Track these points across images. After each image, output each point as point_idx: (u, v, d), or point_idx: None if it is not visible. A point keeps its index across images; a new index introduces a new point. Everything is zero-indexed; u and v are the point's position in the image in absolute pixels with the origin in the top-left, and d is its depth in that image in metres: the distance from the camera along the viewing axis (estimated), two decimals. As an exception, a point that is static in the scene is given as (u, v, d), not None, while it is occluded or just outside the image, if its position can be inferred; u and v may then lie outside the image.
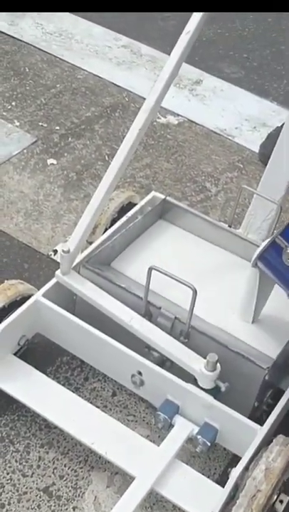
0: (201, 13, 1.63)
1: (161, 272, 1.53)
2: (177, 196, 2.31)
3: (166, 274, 1.52)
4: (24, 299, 1.68)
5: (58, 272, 1.68)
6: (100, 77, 2.81)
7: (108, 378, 1.75)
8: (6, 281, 1.70)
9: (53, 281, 1.71)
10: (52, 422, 1.57)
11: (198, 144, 2.56)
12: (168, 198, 1.91)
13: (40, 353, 1.78)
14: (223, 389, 1.53)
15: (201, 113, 2.70)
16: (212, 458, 1.65)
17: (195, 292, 1.50)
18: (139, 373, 1.60)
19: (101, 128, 2.56)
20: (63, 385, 1.73)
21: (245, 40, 3.17)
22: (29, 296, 1.68)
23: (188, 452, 1.63)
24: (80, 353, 1.73)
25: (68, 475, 1.58)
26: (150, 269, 1.55)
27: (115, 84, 2.77)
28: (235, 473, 1.42)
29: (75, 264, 1.70)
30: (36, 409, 1.58)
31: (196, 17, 1.63)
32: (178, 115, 2.68)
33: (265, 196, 1.82)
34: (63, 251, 1.64)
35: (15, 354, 1.69)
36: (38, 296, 1.68)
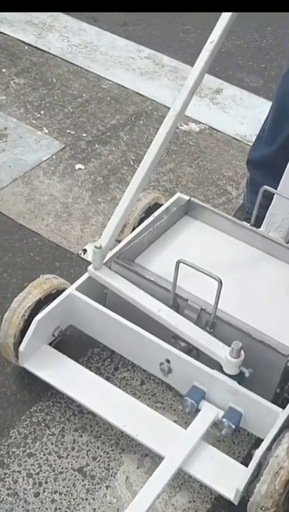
0: (225, 24, 1.73)
1: (188, 264, 1.63)
2: (200, 199, 2.41)
3: (193, 267, 1.63)
4: (58, 292, 1.79)
5: (90, 267, 1.78)
6: (124, 86, 2.93)
7: (137, 368, 1.85)
8: (41, 275, 1.81)
9: (86, 275, 1.81)
10: (85, 407, 1.67)
11: (220, 150, 2.67)
12: (192, 198, 2.02)
13: (73, 345, 1.88)
14: (247, 374, 1.61)
15: (221, 120, 2.81)
16: (236, 442, 1.74)
17: (220, 284, 1.60)
18: (168, 361, 1.69)
19: (126, 135, 2.67)
20: (113, 360, 1.86)
21: (264, 51, 3.28)
22: (63, 290, 1.79)
23: (213, 437, 1.72)
24: (111, 344, 1.83)
25: (101, 456, 1.68)
26: (178, 263, 1.65)
27: (139, 94, 2.89)
28: (258, 452, 1.50)
29: (105, 260, 1.80)
30: (70, 395, 1.68)
31: (220, 27, 1.73)
32: (199, 122, 2.79)
33: (285, 196, 1.92)
34: (95, 247, 1.74)
35: (49, 344, 1.80)
36: (72, 289, 1.78)
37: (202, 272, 1.61)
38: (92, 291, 1.80)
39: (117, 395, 1.70)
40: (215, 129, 2.76)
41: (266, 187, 1.94)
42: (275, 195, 1.96)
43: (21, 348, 1.71)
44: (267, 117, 2.14)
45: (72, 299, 1.78)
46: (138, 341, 1.72)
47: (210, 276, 1.60)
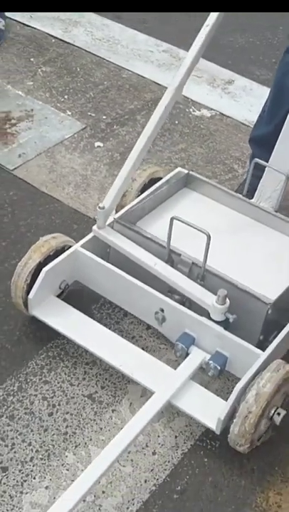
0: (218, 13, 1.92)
1: (180, 220, 1.82)
2: (208, 175, 2.62)
3: (184, 223, 1.81)
4: (58, 252, 1.94)
5: (94, 227, 1.98)
6: (142, 76, 3.16)
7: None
8: (40, 238, 1.98)
9: (90, 235, 2.00)
10: (86, 349, 1.85)
11: (228, 134, 2.88)
12: (191, 172, 2.22)
13: (86, 294, 2.08)
14: (231, 320, 1.79)
15: (231, 108, 3.03)
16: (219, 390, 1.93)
17: (209, 238, 1.78)
18: (162, 310, 1.87)
19: (142, 118, 2.89)
20: (106, 319, 2.05)
21: (274, 47, 3.49)
22: (62, 249, 1.96)
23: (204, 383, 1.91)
24: (111, 296, 2.01)
25: (108, 386, 1.88)
26: (172, 219, 1.85)
27: (156, 83, 3.11)
28: (237, 388, 1.67)
29: (109, 222, 1.99)
30: (73, 338, 1.87)
31: (214, 15, 1.91)
32: (211, 109, 3.00)
33: (275, 168, 2.11)
34: (99, 207, 1.93)
35: (58, 297, 1.98)
36: (77, 246, 1.98)
37: (193, 227, 1.80)
38: (96, 249, 1.99)
39: (116, 339, 1.90)
40: (225, 115, 2.98)
41: (257, 160, 2.14)
42: (266, 168, 2.16)
43: (30, 295, 1.89)
44: (267, 99, 2.35)
45: (78, 255, 1.97)
46: (136, 293, 1.90)
47: (200, 230, 1.78)
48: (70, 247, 1.98)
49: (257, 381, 1.67)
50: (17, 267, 1.92)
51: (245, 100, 3.09)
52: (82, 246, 1.99)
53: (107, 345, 1.88)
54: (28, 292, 1.90)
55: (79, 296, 2.05)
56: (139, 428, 1.66)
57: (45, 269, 1.90)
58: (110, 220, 2.00)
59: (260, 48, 3.51)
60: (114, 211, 2.02)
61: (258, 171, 2.22)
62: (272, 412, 1.70)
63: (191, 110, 2.98)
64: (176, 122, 2.91)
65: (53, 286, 1.97)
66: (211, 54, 3.30)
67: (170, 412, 1.83)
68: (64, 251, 1.97)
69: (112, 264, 1.97)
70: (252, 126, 2.91)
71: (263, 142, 2.31)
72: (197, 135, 2.85)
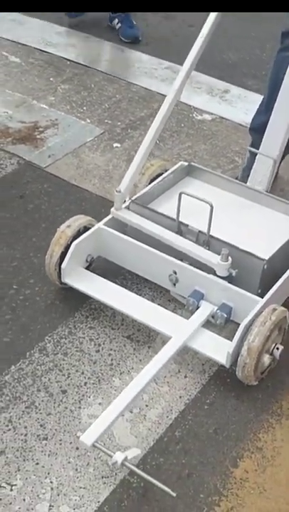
0: (211, 22, 2.29)
1: (187, 194, 2.18)
2: (213, 166, 3.04)
3: (191, 196, 2.17)
4: (74, 239, 2.25)
5: (112, 209, 2.32)
6: (149, 89, 3.60)
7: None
8: (57, 229, 2.28)
9: (110, 216, 2.35)
10: (114, 307, 2.20)
11: (228, 133, 3.30)
12: (192, 163, 2.61)
13: (113, 267, 2.39)
14: (234, 274, 2.13)
15: (229, 112, 3.46)
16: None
17: (212, 207, 2.14)
18: (175, 272, 2.21)
19: (152, 123, 3.30)
20: (130, 285, 2.40)
21: (264, 62, 3.93)
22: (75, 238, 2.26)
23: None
24: (130, 266, 2.32)
25: (143, 329, 2.25)
26: (180, 194, 2.21)
27: (160, 94, 3.54)
28: (240, 328, 2.00)
29: (126, 204, 2.33)
30: (102, 299, 2.21)
31: (208, 25, 2.29)
32: (212, 114, 3.43)
33: (264, 154, 2.50)
34: (116, 191, 2.28)
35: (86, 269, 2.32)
36: (100, 224, 2.33)
37: (198, 199, 2.14)
38: (116, 227, 2.33)
39: (137, 298, 2.23)
40: (224, 118, 3.41)
41: (249, 147, 2.54)
42: (257, 155, 2.55)
43: (63, 265, 2.23)
44: (265, 94, 2.77)
45: (100, 231, 2.31)
46: (152, 259, 2.23)
47: (203, 201, 2.13)
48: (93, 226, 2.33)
49: (247, 338, 1.97)
50: (45, 258, 2.27)
51: (241, 105, 3.52)
52: (105, 224, 2.34)
53: (130, 303, 2.21)
54: (60, 264, 2.25)
55: (103, 271, 2.37)
56: (163, 362, 2.00)
57: (74, 242, 2.24)
58: (127, 203, 2.35)
59: (250, 62, 3.96)
60: (127, 196, 2.35)
61: (253, 158, 2.60)
62: (272, 347, 2.05)
63: (194, 115, 3.41)
64: (182, 125, 3.33)
65: (81, 258, 2.29)
66: (208, 69, 3.78)
67: (176, 360, 2.19)
68: (89, 229, 2.31)
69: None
70: (248, 126, 3.34)
71: (261, 130, 2.71)
72: (201, 135, 3.27)
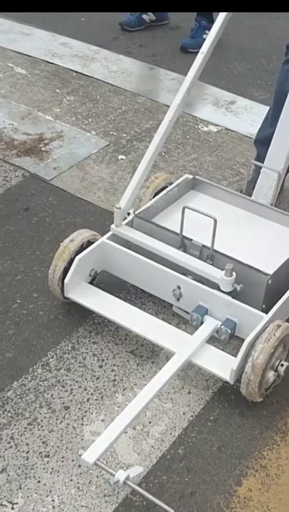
0: (212, 39, 2.25)
1: (191, 209, 2.16)
2: (219, 178, 3.02)
3: (194, 210, 2.15)
4: (78, 253, 2.24)
5: (112, 225, 2.30)
6: (155, 100, 3.59)
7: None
8: (61, 244, 2.27)
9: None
10: (116, 322, 2.18)
11: (234, 145, 3.29)
12: (197, 176, 2.59)
13: (117, 281, 2.38)
14: (238, 289, 2.11)
15: (235, 123, 3.45)
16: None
17: (216, 222, 2.12)
18: (179, 287, 2.19)
19: (158, 135, 3.30)
20: (134, 300, 2.39)
21: (270, 72, 3.93)
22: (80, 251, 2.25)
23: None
24: (134, 280, 2.31)
25: (147, 344, 2.24)
26: (184, 208, 2.19)
27: (167, 105, 3.52)
28: (244, 345, 1.98)
29: (130, 218, 2.31)
30: (105, 315, 2.19)
31: (208, 43, 2.26)
32: (217, 125, 3.42)
33: (269, 167, 2.48)
34: (116, 207, 2.27)
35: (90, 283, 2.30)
36: (104, 239, 2.31)
37: (201, 213, 2.13)
38: (119, 241, 2.30)
39: (140, 313, 2.21)
40: (230, 130, 3.39)
41: (253, 161, 2.52)
42: (262, 169, 2.54)
43: (66, 280, 2.21)
44: (270, 106, 2.76)
45: (104, 246, 2.29)
46: (156, 274, 2.21)
47: (207, 215, 2.11)
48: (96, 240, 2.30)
49: (251, 354, 1.96)
50: (48, 273, 2.26)
51: (246, 117, 3.51)
52: (108, 238, 2.31)
53: (133, 319, 2.19)
54: (63, 279, 2.23)
55: (107, 285, 2.36)
56: (166, 378, 1.98)
57: (77, 257, 2.22)
58: (131, 216, 2.33)
59: (256, 73, 3.95)
60: (129, 210, 2.33)
61: (258, 171, 2.59)
62: (277, 363, 2.03)
63: (200, 127, 3.40)
64: (188, 137, 3.32)
65: (84, 273, 2.27)
66: (214, 80, 3.77)
67: (181, 375, 2.17)
68: (92, 243, 2.29)
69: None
70: (253, 138, 3.33)
71: (266, 142, 2.70)
72: (207, 147, 3.26)
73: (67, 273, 2.22)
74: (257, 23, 4.44)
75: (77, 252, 2.25)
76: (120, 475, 1.74)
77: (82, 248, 2.27)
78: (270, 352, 1.96)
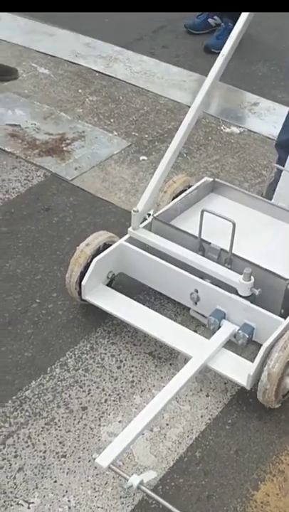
0: (233, 41, 2.23)
1: (209, 212, 2.14)
2: (240, 180, 3.00)
3: (213, 213, 2.14)
4: (93, 257, 2.22)
5: (130, 228, 2.28)
6: (177, 101, 3.58)
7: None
8: (77, 247, 2.26)
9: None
10: (133, 325, 2.16)
11: (256, 146, 3.27)
12: (216, 179, 2.57)
13: (136, 282, 2.37)
14: (257, 293, 2.08)
15: (258, 125, 3.43)
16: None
17: (234, 225, 2.09)
18: (196, 291, 2.17)
19: (180, 136, 3.30)
20: (153, 302, 2.38)
21: (294, 74, 3.91)
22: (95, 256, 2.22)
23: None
24: (151, 283, 2.30)
25: (166, 346, 2.22)
26: (202, 211, 2.17)
27: (189, 106, 3.50)
28: (261, 350, 1.96)
29: (148, 220, 2.30)
30: (122, 317, 2.18)
31: (228, 45, 2.23)
32: (240, 127, 3.41)
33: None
34: (134, 211, 2.25)
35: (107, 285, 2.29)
36: (122, 241, 2.30)
37: (220, 217, 2.10)
38: (137, 244, 2.29)
39: (157, 316, 2.20)
40: (252, 131, 3.37)
41: (274, 164, 2.50)
42: (283, 172, 2.51)
43: (83, 282, 2.20)
44: None
45: (122, 248, 2.28)
46: (173, 277, 2.20)
47: (226, 219, 2.09)
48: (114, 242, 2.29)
49: (267, 363, 1.93)
50: (66, 277, 2.25)
51: (269, 118, 3.48)
52: (126, 240, 2.30)
53: (151, 322, 2.17)
54: (80, 283, 2.22)
55: (126, 287, 2.35)
56: (184, 382, 1.97)
57: (95, 259, 2.21)
58: (150, 219, 2.31)
59: (280, 74, 3.92)
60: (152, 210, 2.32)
61: (279, 174, 2.57)
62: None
63: (222, 128, 3.39)
64: (210, 138, 3.30)
65: (102, 275, 2.26)
66: (238, 81, 3.75)
67: (198, 378, 2.15)
68: (109, 246, 2.27)
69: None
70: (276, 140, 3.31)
71: (287, 146, 2.68)
72: (229, 148, 3.24)
73: (84, 277, 2.22)
74: (281, 24, 4.41)
75: (94, 256, 2.23)
76: (134, 479, 1.74)
77: (98, 252, 2.26)
78: (286, 361, 1.94)
